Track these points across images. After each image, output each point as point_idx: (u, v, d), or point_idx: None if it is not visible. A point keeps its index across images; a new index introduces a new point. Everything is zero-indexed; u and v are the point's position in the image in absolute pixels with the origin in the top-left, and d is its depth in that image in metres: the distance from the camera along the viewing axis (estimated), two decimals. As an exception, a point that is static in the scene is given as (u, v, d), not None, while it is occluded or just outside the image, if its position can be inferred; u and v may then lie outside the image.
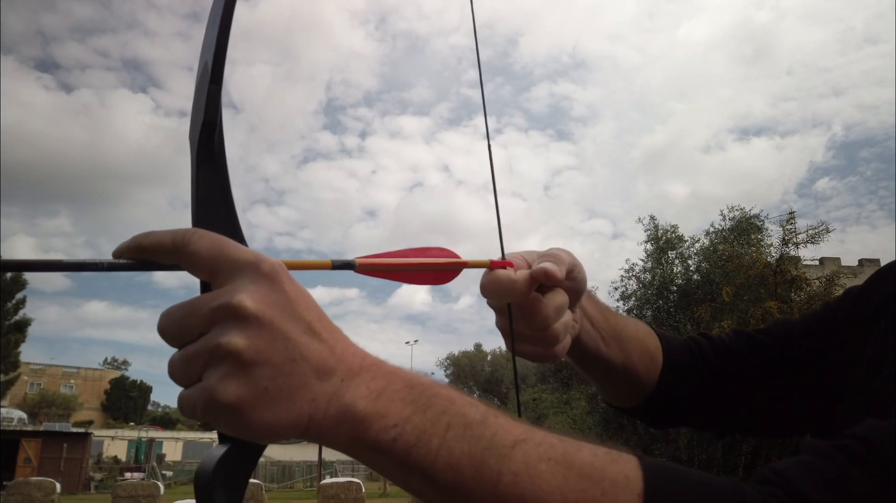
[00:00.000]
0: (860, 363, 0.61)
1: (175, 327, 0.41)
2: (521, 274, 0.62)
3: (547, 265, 0.61)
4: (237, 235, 0.47)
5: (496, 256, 0.64)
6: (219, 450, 0.45)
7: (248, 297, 0.40)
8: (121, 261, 0.44)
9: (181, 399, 0.41)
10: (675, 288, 12.63)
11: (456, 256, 0.62)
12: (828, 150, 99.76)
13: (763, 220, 12.45)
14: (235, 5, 0.48)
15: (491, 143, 0.66)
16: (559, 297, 0.64)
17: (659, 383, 0.77)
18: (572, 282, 0.66)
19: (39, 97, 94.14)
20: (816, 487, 0.40)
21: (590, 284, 0.76)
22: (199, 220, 0.46)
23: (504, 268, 0.63)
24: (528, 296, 0.62)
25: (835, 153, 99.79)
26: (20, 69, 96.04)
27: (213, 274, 0.42)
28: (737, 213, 12.89)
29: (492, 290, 0.62)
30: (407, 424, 0.40)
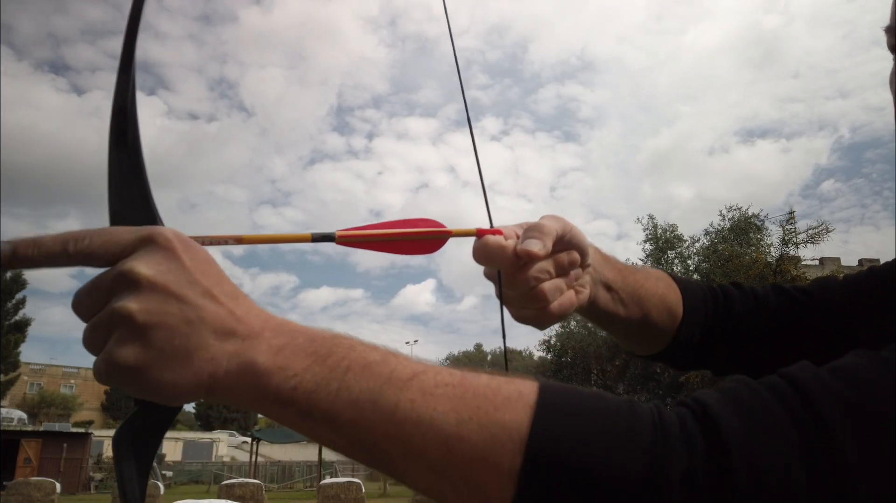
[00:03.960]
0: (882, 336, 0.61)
1: (83, 303, 0.44)
2: (510, 243, 0.62)
3: (528, 245, 0.61)
4: (152, 217, 0.48)
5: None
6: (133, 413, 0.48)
7: (140, 264, 0.42)
8: None
9: (94, 367, 0.43)
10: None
11: (442, 226, 0.62)
12: (833, 152, 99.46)
13: (763, 220, 12.45)
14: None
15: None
16: (542, 262, 0.64)
17: (677, 333, 0.77)
18: (566, 246, 0.65)
19: (51, 99, 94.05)
20: (726, 408, 0.40)
21: None
22: (113, 203, 0.48)
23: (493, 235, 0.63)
24: (515, 266, 0.63)
25: (840, 155, 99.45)
26: (33, 72, 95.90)
27: (112, 259, 0.44)
28: (735, 213, 12.89)
29: (481, 256, 0.63)
30: (307, 373, 0.41)
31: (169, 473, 28.63)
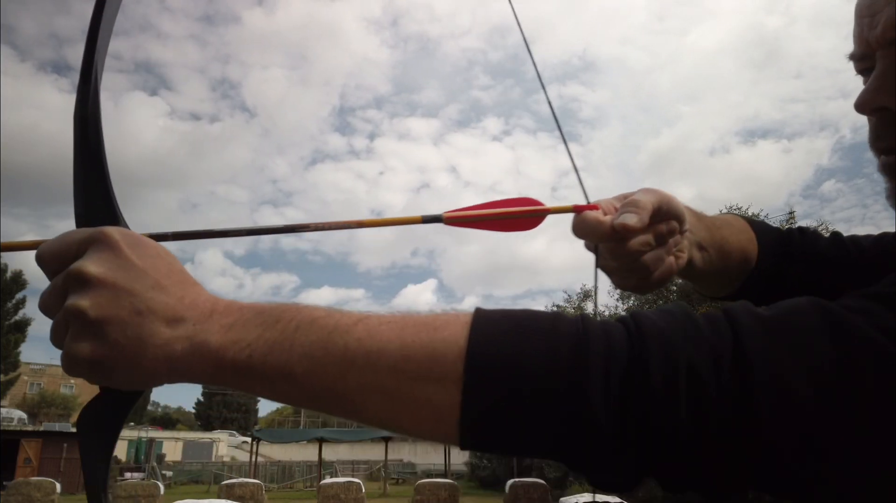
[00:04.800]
0: None
1: (45, 304, 0.48)
2: (607, 218, 0.65)
3: (625, 219, 0.64)
4: (114, 218, 0.52)
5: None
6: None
7: (89, 263, 0.45)
8: None
9: (61, 360, 0.47)
10: (674, 287, 12.61)
11: (540, 204, 0.67)
12: (834, 152, 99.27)
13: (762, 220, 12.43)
14: (103, 12, 0.54)
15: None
16: (642, 235, 0.67)
17: (748, 277, 0.80)
18: (664, 217, 0.68)
19: (53, 99, 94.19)
20: (654, 315, 0.43)
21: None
22: (78, 207, 0.52)
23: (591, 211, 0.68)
24: (613, 238, 0.66)
25: (841, 155, 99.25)
26: (35, 73, 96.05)
27: (63, 263, 0.47)
28: (736, 213, 12.86)
29: (579, 231, 0.66)
30: (258, 341, 0.44)
31: (169, 473, 28.63)
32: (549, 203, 0.67)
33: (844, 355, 0.39)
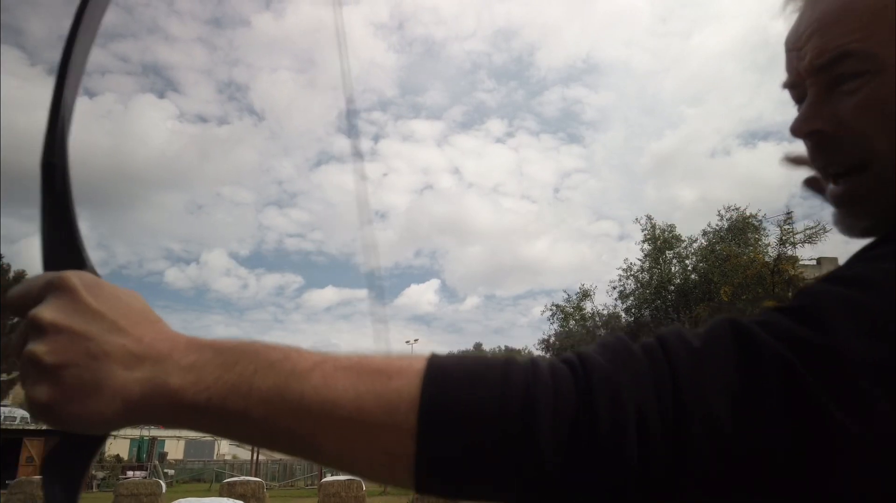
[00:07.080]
0: None
1: (10, 350, 0.49)
2: None
3: None
4: (80, 262, 0.53)
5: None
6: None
7: (45, 309, 0.47)
8: None
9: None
10: (672, 287, 12.63)
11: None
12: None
13: (760, 221, 12.47)
14: (72, 56, 0.54)
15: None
16: None
17: None
18: None
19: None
20: (595, 351, 0.45)
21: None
22: (45, 250, 0.53)
23: None
24: None
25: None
26: (46, 77, 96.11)
27: (26, 309, 0.48)
28: (733, 213, 12.91)
29: None
30: (217, 383, 0.45)
31: (171, 471, 28.68)
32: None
33: (753, 373, 0.42)
